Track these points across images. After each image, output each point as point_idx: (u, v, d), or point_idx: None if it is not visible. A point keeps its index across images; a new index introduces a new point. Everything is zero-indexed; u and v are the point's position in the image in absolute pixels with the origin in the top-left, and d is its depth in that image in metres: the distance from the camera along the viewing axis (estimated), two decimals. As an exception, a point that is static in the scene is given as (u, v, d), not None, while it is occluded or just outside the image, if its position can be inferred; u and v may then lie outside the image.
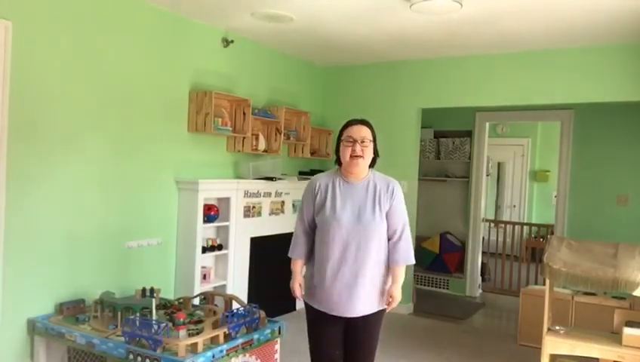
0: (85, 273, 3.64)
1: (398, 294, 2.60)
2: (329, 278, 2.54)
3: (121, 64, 3.81)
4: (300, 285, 2.72)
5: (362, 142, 2.56)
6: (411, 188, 5.50)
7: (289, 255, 2.75)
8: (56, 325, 3.25)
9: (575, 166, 6.02)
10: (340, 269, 2.53)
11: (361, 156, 2.55)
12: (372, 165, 2.66)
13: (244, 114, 4.67)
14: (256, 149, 4.88)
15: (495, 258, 7.33)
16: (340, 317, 2.58)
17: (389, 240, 2.61)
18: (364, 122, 2.65)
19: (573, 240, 3.49)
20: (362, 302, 2.55)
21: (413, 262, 2.65)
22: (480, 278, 6.83)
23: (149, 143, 4.05)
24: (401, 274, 2.62)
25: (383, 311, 2.64)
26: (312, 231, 2.69)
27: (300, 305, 5.46)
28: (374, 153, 2.64)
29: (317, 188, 2.65)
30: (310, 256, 2.71)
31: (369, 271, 2.53)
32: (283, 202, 5.21)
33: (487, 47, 4.94)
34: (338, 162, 2.67)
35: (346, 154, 2.57)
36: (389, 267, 2.61)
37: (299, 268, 2.72)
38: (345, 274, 2.52)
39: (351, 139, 2.57)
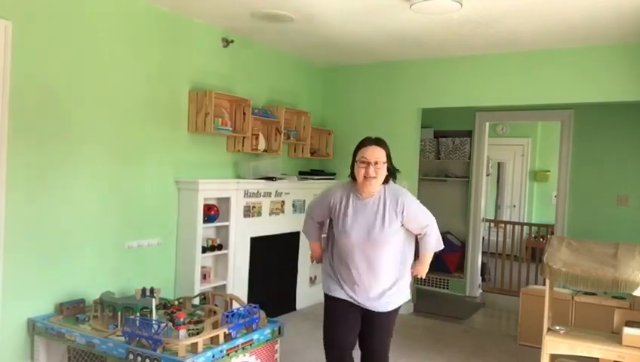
0: (85, 273, 3.64)
1: (422, 271, 2.97)
2: (348, 279, 2.85)
3: (121, 64, 3.81)
4: (317, 254, 3.11)
5: (376, 163, 2.73)
6: (411, 188, 5.49)
7: (307, 238, 3.13)
8: (56, 325, 3.25)
9: (575, 166, 6.02)
10: (354, 274, 2.81)
11: (374, 177, 2.74)
12: (387, 181, 2.83)
13: (244, 114, 4.67)
14: (256, 149, 4.88)
15: (495, 258, 7.33)
16: (357, 306, 2.86)
17: (417, 235, 2.90)
18: (378, 142, 2.81)
19: (573, 240, 3.49)
20: (379, 300, 2.84)
21: (442, 247, 2.95)
22: (480, 278, 6.83)
23: (148, 143, 4.05)
24: (427, 257, 2.95)
25: (396, 310, 2.92)
26: (321, 226, 3.06)
27: (299, 305, 5.47)
28: (389, 171, 2.82)
29: (332, 202, 2.88)
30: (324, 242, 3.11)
31: (382, 275, 2.81)
32: (283, 202, 5.21)
33: (487, 47, 4.94)
34: (352, 177, 2.85)
35: (360, 174, 2.76)
36: (406, 266, 2.90)
37: (318, 247, 3.09)
38: (359, 278, 2.81)
39: (365, 161, 2.75)
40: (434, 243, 2.91)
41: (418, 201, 2.88)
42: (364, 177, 2.73)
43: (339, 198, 2.85)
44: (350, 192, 2.84)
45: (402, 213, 2.75)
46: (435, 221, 2.90)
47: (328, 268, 2.95)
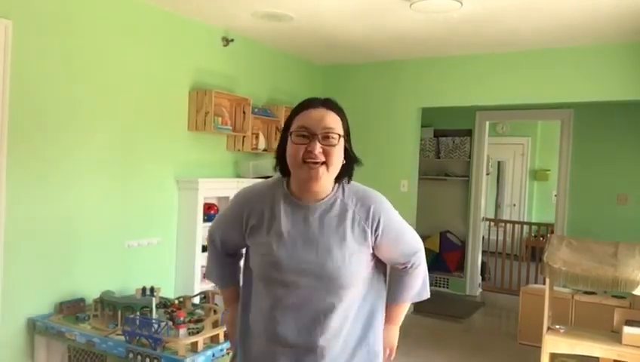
0: (85, 272, 3.64)
1: (393, 340, 1.77)
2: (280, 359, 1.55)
3: (121, 63, 3.81)
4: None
5: (325, 137, 1.49)
6: (411, 187, 5.50)
7: (214, 282, 1.89)
8: (56, 324, 3.25)
9: (575, 165, 6.03)
10: (289, 351, 1.53)
11: (322, 162, 1.48)
12: (341, 177, 1.57)
13: (244, 113, 4.67)
14: (256, 148, 4.88)
15: (495, 257, 7.34)
16: None
17: (391, 271, 1.70)
18: (329, 104, 1.55)
19: (573, 239, 3.49)
20: None
21: (428, 296, 1.74)
22: (480, 277, 6.84)
23: (148, 142, 4.05)
24: (402, 313, 1.75)
25: None
26: (235, 260, 1.80)
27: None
28: (346, 157, 1.55)
29: (247, 215, 1.60)
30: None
31: (340, 348, 1.54)
32: (283, 201, 5.20)
33: (487, 46, 4.94)
34: (282, 170, 1.60)
35: (296, 157, 1.49)
36: (375, 329, 1.62)
37: (234, 298, 1.79)
38: (299, 356, 1.53)
39: (305, 132, 1.49)
40: (420, 285, 1.69)
41: (396, 212, 1.64)
42: (304, 162, 1.48)
43: (259, 208, 1.58)
44: (281, 196, 1.58)
45: (376, 229, 1.54)
46: (423, 252, 1.68)
47: (242, 343, 1.66)
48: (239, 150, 4.78)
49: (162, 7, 4.05)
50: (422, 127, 5.85)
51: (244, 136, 4.71)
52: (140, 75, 3.94)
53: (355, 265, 1.52)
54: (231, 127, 4.56)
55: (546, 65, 4.88)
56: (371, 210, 1.55)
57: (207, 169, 4.56)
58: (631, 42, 4.53)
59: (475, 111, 6.65)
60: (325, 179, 1.51)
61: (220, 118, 4.41)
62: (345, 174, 1.57)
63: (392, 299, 1.70)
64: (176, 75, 4.25)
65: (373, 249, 1.57)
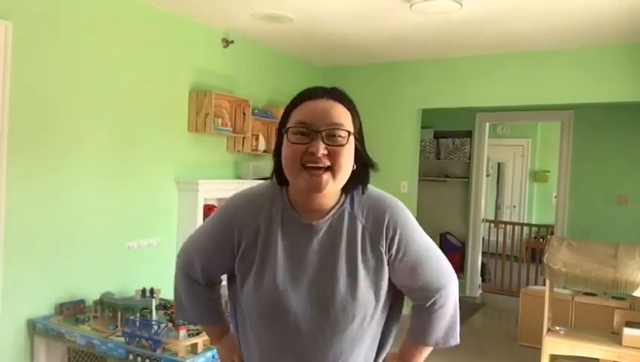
0: (85, 273, 3.64)
1: None
2: None
3: (121, 64, 3.81)
4: None
5: (331, 135, 1.19)
6: (411, 188, 5.49)
7: (189, 320, 1.60)
8: (56, 325, 3.24)
9: (575, 166, 6.03)
10: None
11: (327, 168, 1.18)
12: (351, 185, 1.27)
13: (244, 114, 4.67)
14: (257, 149, 4.89)
15: (495, 258, 7.34)
16: None
17: (412, 306, 1.36)
18: (335, 94, 1.26)
19: (573, 241, 3.49)
20: None
21: (456, 343, 1.36)
22: (480, 278, 6.83)
23: (148, 144, 4.05)
24: (420, 357, 1.41)
25: None
26: (213, 290, 1.47)
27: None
28: (356, 159, 1.25)
29: (237, 231, 1.29)
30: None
31: None
32: (283, 202, 5.20)
33: (487, 48, 4.94)
34: (279, 178, 1.30)
35: (293, 160, 1.20)
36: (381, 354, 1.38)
37: (216, 334, 1.51)
38: None
39: (305, 129, 1.19)
40: (444, 330, 1.33)
41: (422, 230, 1.33)
42: (304, 167, 1.18)
43: (254, 222, 1.28)
44: (279, 209, 1.28)
45: (391, 246, 1.25)
46: (455, 281, 1.34)
47: None
48: (239, 151, 4.78)
49: (162, 7, 4.05)
50: (422, 128, 5.86)
51: (244, 138, 4.71)
52: (140, 76, 3.94)
53: (368, 300, 1.23)
54: (231, 129, 4.56)
55: (546, 66, 4.88)
56: (385, 220, 1.25)
57: (207, 170, 4.56)
58: (631, 43, 4.53)
59: (475, 113, 6.65)
60: (330, 189, 1.20)
61: (219, 119, 4.41)
62: (356, 182, 1.26)
63: (409, 337, 1.39)
64: (176, 76, 4.25)
65: (389, 272, 1.25)
